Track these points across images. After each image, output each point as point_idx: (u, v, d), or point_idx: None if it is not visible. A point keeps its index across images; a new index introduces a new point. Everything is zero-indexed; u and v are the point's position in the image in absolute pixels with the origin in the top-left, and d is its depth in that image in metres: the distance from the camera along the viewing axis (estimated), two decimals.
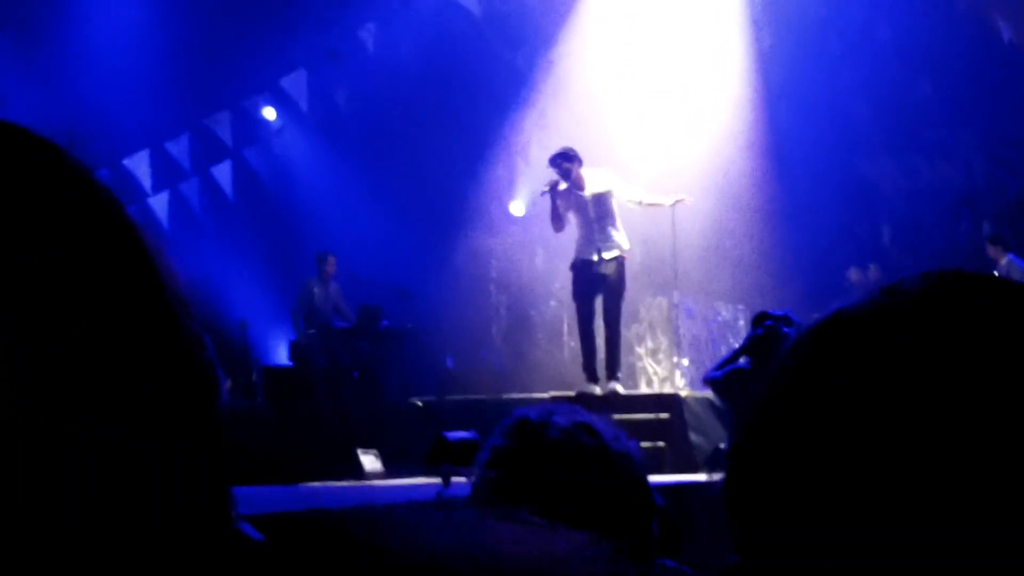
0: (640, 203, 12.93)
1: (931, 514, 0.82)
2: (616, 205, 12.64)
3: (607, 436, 2.20)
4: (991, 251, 15.36)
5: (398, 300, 15.72)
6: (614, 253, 12.57)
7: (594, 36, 17.56)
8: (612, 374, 12.94)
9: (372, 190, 17.99)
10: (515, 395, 14.17)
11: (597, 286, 12.69)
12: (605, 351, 12.91)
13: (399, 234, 17.36)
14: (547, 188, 12.59)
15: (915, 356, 0.84)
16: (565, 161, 12.53)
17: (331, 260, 15.76)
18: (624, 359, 14.82)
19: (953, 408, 0.82)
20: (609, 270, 12.58)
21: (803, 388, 0.88)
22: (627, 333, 14.87)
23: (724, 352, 12.19)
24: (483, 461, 2.19)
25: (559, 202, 12.51)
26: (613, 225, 12.61)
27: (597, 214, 12.54)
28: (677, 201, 13.23)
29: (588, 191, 12.53)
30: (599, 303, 12.78)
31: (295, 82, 17.85)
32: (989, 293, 0.87)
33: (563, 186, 12.51)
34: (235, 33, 17.64)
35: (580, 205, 12.56)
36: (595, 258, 12.55)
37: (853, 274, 17.50)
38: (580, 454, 2.13)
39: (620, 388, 12.97)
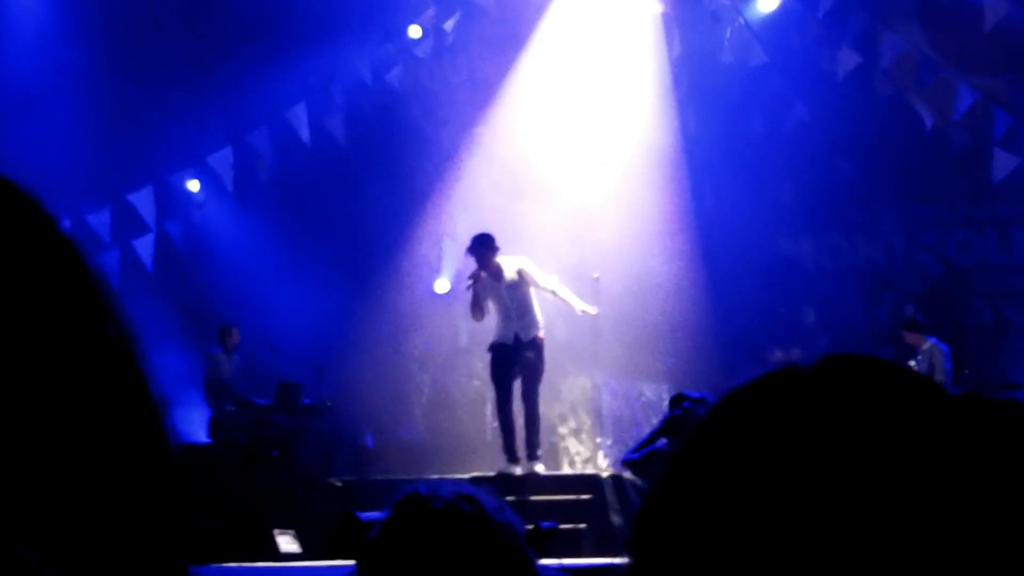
0: (554, 293, 13.09)
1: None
2: (532, 291, 12.77)
3: (489, 507, 2.30)
4: (909, 338, 15.24)
5: (316, 376, 15.60)
6: (532, 335, 12.67)
7: (519, 113, 17.64)
8: (532, 454, 12.93)
9: (295, 265, 17.89)
10: (436, 475, 14.04)
11: (515, 368, 12.81)
12: (525, 431, 12.95)
13: (321, 310, 17.25)
14: (471, 281, 12.73)
15: (797, 438, 0.89)
16: (484, 248, 12.64)
17: (235, 332, 15.84)
18: (546, 439, 14.75)
19: (834, 489, 0.87)
20: (528, 352, 12.72)
21: (697, 464, 0.93)
22: (549, 413, 14.82)
23: (647, 432, 12.16)
24: (374, 536, 2.28)
25: (479, 289, 12.60)
26: (529, 309, 12.79)
27: (513, 300, 12.72)
28: (584, 311, 13.35)
29: (504, 278, 12.69)
30: (518, 384, 12.83)
31: (221, 159, 17.77)
32: (877, 379, 0.93)
33: (483, 275, 12.62)
34: (162, 109, 17.59)
35: (496, 291, 12.72)
36: (513, 341, 12.68)
37: (777, 358, 17.55)
38: (461, 524, 2.21)
39: (541, 468, 12.94)
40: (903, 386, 0.93)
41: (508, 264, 12.78)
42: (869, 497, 0.87)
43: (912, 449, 0.89)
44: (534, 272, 12.89)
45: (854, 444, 0.89)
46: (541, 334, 12.78)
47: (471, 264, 13.16)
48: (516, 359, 12.73)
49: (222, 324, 15.99)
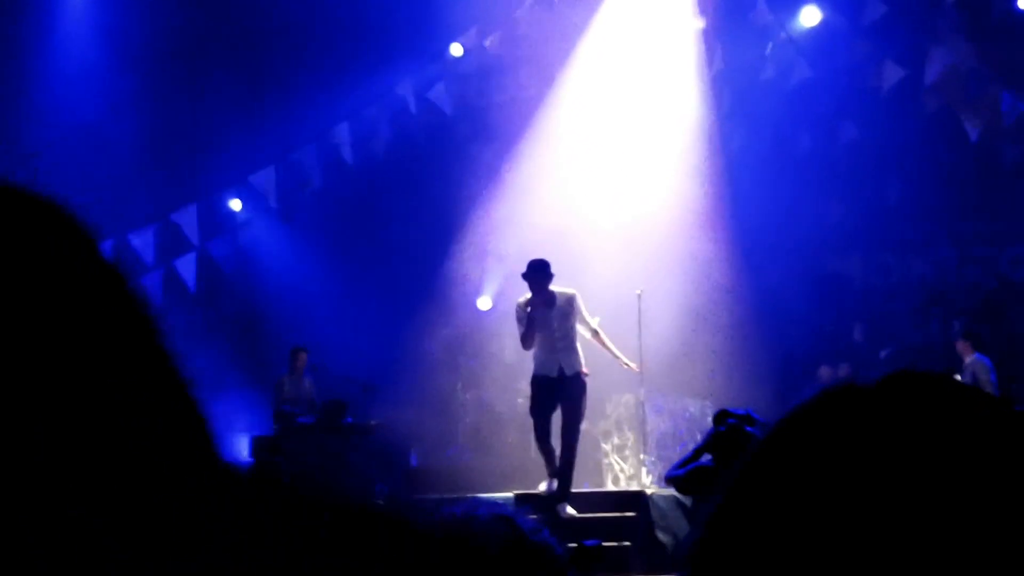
0: (595, 334, 12.66)
1: None
2: (578, 327, 12.49)
3: (526, 528, 2.27)
4: (960, 346, 15.43)
5: (362, 395, 15.58)
6: (576, 370, 12.40)
7: (563, 131, 17.62)
8: (564, 496, 12.59)
9: (339, 284, 17.93)
10: (480, 494, 13.97)
11: (557, 402, 12.46)
12: (559, 471, 12.58)
13: (365, 329, 17.25)
14: (529, 309, 12.33)
15: (868, 460, 0.90)
16: (540, 275, 12.34)
17: (302, 356, 15.87)
18: (590, 455, 14.65)
19: (904, 506, 0.87)
20: (572, 388, 12.36)
21: (765, 486, 0.94)
22: (594, 430, 14.73)
23: (691, 449, 12.04)
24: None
25: (536, 317, 12.31)
26: (574, 343, 12.46)
27: (561, 331, 12.38)
28: (627, 365, 13.04)
29: (556, 307, 12.36)
30: (558, 419, 12.52)
31: (265, 178, 17.82)
32: (938, 397, 0.93)
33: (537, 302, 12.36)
34: (205, 130, 17.68)
35: (547, 320, 12.34)
36: (557, 374, 12.37)
37: (824, 373, 17.43)
38: (497, 546, 2.16)
39: (572, 511, 12.57)
40: (971, 403, 0.92)
41: (561, 294, 12.45)
42: (948, 523, 0.86)
43: (988, 469, 0.88)
44: (583, 307, 12.59)
45: (929, 466, 0.88)
46: (586, 370, 12.47)
47: (515, 281, 13.05)
48: (558, 393, 12.41)
49: (293, 346, 16.07)
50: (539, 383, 12.50)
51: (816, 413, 0.95)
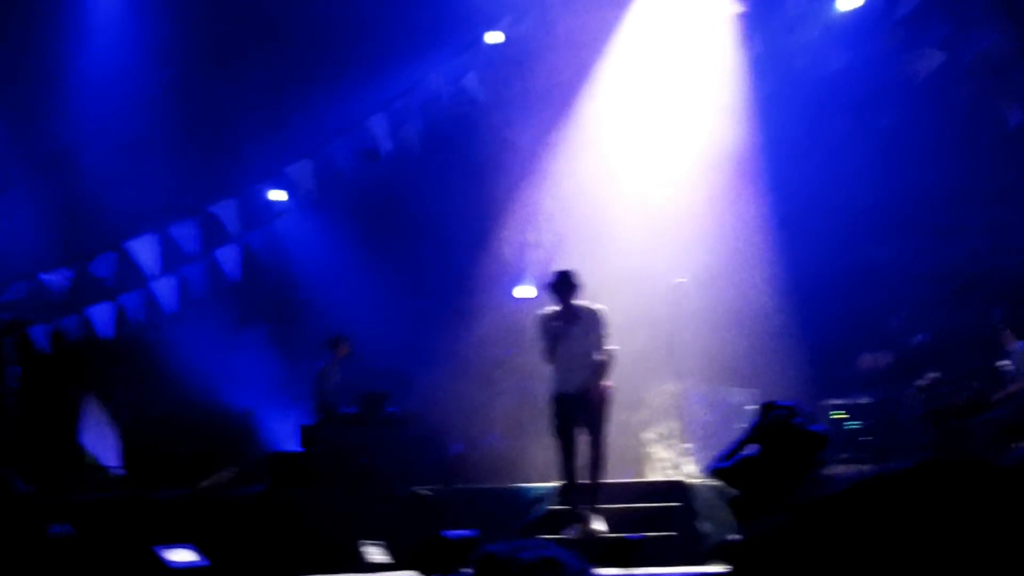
0: (603, 356, 12.02)
1: None
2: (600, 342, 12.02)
3: (572, 570, 2.26)
4: (1004, 335, 15.50)
5: (400, 386, 15.62)
6: (600, 384, 11.94)
7: (599, 117, 17.57)
8: (595, 507, 12.07)
9: (377, 274, 17.96)
10: (521, 484, 13.99)
11: (581, 416, 11.93)
12: (591, 476, 12.00)
13: (404, 318, 17.29)
14: (555, 323, 11.88)
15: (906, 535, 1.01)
16: (565, 287, 11.93)
17: (345, 344, 15.86)
18: (631, 445, 14.63)
19: None
20: (594, 400, 11.86)
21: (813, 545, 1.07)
22: (634, 419, 14.72)
23: (733, 437, 12.01)
24: None
25: (558, 331, 11.92)
26: (595, 359, 11.97)
27: (583, 347, 11.90)
28: (605, 382, 12.11)
29: (580, 321, 11.92)
30: (585, 430, 11.99)
31: (301, 170, 17.84)
32: (966, 486, 1.04)
33: (560, 314, 11.97)
34: (242, 124, 17.74)
35: (571, 335, 11.91)
36: (576, 391, 11.87)
37: (865, 361, 17.42)
38: None
39: (603, 526, 12.07)
40: (996, 488, 1.02)
41: (587, 308, 12.01)
42: None
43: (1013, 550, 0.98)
44: (607, 326, 12.05)
45: (956, 549, 0.99)
46: (610, 383, 11.98)
47: (552, 269, 12.98)
48: (581, 409, 11.88)
49: (333, 334, 16.02)
50: (560, 401, 11.99)
51: (853, 503, 1.04)
